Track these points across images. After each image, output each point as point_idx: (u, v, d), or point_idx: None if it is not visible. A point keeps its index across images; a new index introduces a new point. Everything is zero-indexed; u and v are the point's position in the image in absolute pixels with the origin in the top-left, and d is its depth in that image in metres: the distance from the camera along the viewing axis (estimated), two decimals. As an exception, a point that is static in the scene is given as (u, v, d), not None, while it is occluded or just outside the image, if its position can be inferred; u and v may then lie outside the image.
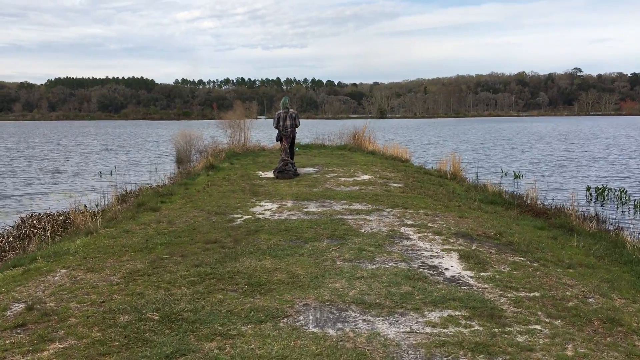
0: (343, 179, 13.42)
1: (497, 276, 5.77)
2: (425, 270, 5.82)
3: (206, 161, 18.23)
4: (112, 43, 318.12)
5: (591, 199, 15.77)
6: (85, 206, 13.89)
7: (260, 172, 15.43)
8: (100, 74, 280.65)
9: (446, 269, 5.97)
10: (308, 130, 53.50)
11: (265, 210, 9.48)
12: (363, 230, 7.65)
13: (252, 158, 20.40)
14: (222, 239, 7.29)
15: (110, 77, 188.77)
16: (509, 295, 5.21)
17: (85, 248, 7.17)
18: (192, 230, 7.86)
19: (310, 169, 15.69)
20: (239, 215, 8.99)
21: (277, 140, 15.31)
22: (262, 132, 39.71)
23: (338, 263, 5.99)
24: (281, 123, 14.73)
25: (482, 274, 5.84)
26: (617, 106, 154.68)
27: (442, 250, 6.75)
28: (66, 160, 28.43)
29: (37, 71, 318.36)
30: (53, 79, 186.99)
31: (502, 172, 21.58)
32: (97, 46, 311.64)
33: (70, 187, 18.77)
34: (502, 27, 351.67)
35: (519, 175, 20.44)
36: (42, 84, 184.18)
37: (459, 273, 5.83)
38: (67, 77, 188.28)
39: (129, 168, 24.82)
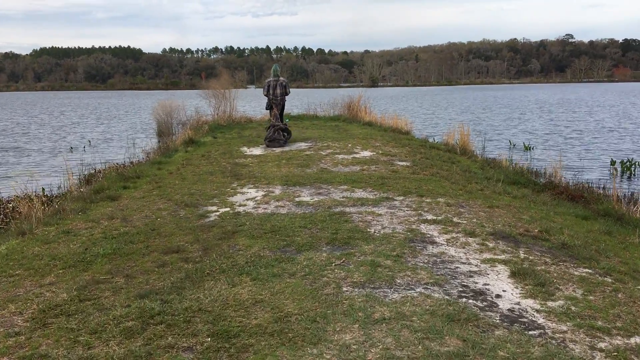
0: (340, 156, 11.59)
1: (571, 308, 4.03)
2: (471, 301, 4.06)
3: (185, 136, 16.32)
4: (99, 11, 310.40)
5: (616, 175, 14.07)
6: (44, 190, 12.05)
7: (245, 148, 13.57)
8: (86, 44, 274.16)
9: (498, 295, 4.21)
10: (299, 100, 51.38)
11: (247, 199, 7.66)
12: (373, 231, 5.87)
13: (237, 131, 18.49)
14: (186, 246, 5.49)
15: (97, 46, 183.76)
16: (602, 344, 3.48)
17: (6, 259, 5.36)
18: (150, 232, 6.04)
19: (303, 144, 13.84)
20: (214, 208, 7.17)
21: (267, 109, 14.96)
22: (251, 103, 37.66)
23: (345, 290, 4.21)
24: (271, 91, 14.38)
25: (549, 303, 4.09)
26: (609, 73, 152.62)
27: (483, 261, 4.99)
28: (35, 135, 26.31)
29: (23, 41, 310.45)
30: (38, 49, 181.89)
31: (511, 144, 19.80)
32: (84, 15, 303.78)
33: (35, 166, 16.84)
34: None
35: (530, 147, 18.70)
36: (27, 54, 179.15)
37: (518, 304, 4.08)
38: (52, 46, 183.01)
39: (105, 143, 22.82)
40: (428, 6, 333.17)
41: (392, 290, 4.21)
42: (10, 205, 10.84)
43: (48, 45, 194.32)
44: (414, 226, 6.08)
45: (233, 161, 11.45)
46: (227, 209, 7.12)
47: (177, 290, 4.26)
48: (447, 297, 4.10)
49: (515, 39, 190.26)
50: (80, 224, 6.64)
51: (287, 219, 6.35)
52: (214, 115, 23.25)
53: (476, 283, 4.45)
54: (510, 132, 24.28)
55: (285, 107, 15.56)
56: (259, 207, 7.18)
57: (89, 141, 23.09)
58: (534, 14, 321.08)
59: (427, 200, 7.36)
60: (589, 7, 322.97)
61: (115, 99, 77.58)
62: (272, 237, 5.65)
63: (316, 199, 7.48)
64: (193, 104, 28.41)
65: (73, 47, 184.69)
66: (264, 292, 4.16)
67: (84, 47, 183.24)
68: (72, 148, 20.72)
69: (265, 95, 14.60)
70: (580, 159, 16.33)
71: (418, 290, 4.22)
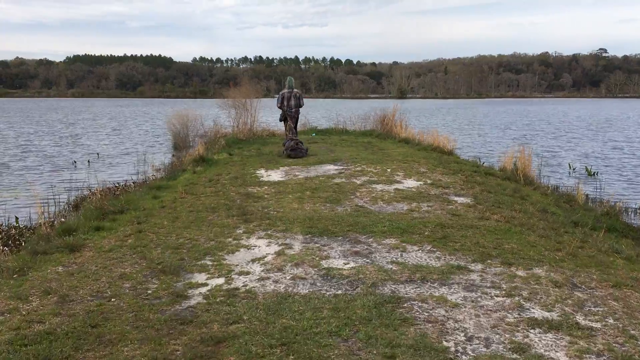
0: (379, 186, 9.19)
1: None
2: None
3: (195, 153, 14.13)
4: (132, 21, 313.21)
5: None
6: (17, 220, 9.95)
7: (262, 171, 11.27)
8: (119, 52, 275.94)
9: None
10: (327, 112, 49.16)
11: (253, 261, 5.33)
12: (453, 349, 3.46)
13: (257, 147, 16.26)
14: (133, 375, 3.17)
15: (129, 54, 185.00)
16: None
17: None
18: (87, 333, 3.73)
19: (331, 167, 11.49)
20: (202, 279, 4.84)
21: (280, 121, 14.99)
22: (275, 114, 35.52)
23: None
24: (285, 103, 14.33)
25: None
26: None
27: None
28: (40, 146, 24.43)
29: (58, 48, 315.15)
30: (72, 56, 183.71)
31: (570, 167, 17.17)
32: (118, 24, 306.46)
33: (27, 185, 14.78)
34: (527, 6, 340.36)
35: (593, 173, 16.05)
36: (60, 61, 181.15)
37: None
38: (86, 54, 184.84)
39: (114, 157, 20.77)
40: (457, 19, 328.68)
41: None
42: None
43: (81, 52, 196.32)
44: (518, 336, 3.65)
45: (245, 190, 9.15)
46: (221, 280, 4.79)
47: None
48: None
49: (547, 52, 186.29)
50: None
51: (308, 313, 3.98)
52: (233, 127, 21.13)
53: None
54: (564, 153, 21.55)
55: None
56: (268, 277, 4.83)
57: (98, 154, 21.08)
58: (566, 28, 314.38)
59: (521, 274, 4.91)
60: (622, 22, 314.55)
61: (140, 107, 76.42)
62: (283, 360, 3.28)
63: (352, 265, 5.11)
64: (216, 113, 26.40)
65: (106, 55, 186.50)
66: None
67: (116, 55, 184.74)
68: (75, 163, 18.69)
69: (279, 107, 14.50)
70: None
71: None
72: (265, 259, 5.38)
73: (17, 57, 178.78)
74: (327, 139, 18.49)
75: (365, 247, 5.70)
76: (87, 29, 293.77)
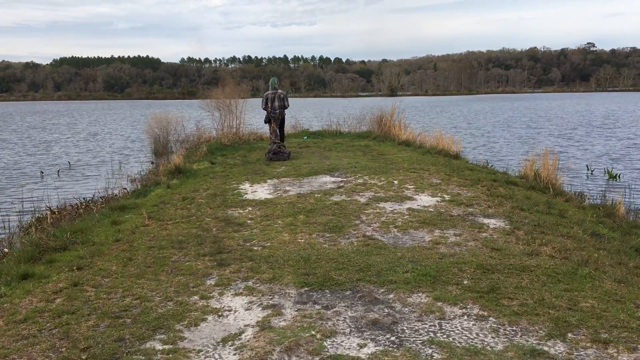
0: (389, 205, 7.51)
1: None
2: None
3: (171, 163, 12.39)
4: (120, 22, 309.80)
5: None
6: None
7: (246, 186, 9.56)
8: (106, 53, 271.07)
9: None
10: (319, 110, 47.44)
11: (224, 341, 3.62)
12: None
13: (242, 154, 14.56)
14: None
15: (117, 56, 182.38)
16: None
17: None
18: None
19: (328, 180, 9.80)
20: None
21: (265, 123, 14.35)
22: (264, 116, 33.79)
23: None
24: (269, 104, 13.76)
25: None
26: (634, 81, 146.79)
27: None
28: (2, 154, 22.55)
29: (45, 51, 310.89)
30: (59, 59, 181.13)
31: (588, 169, 15.60)
32: (106, 25, 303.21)
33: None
34: (514, 1, 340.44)
35: (615, 176, 14.49)
36: (47, 64, 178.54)
37: None
38: (72, 56, 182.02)
39: (87, 166, 18.94)
40: (445, 16, 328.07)
41: None
42: None
43: (68, 55, 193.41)
44: None
45: (223, 214, 7.44)
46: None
47: None
48: None
49: (535, 47, 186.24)
50: None
51: None
52: (217, 131, 19.39)
53: None
54: (577, 153, 19.96)
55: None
56: (246, 378, 3.14)
57: (69, 163, 19.26)
58: (554, 23, 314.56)
59: (628, 363, 3.26)
60: (609, 16, 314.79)
61: (125, 110, 74.27)
62: None
63: (372, 349, 3.41)
64: (200, 116, 24.63)
65: (93, 57, 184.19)
66: None
67: (103, 57, 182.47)
68: (42, 173, 16.88)
69: (263, 109, 13.94)
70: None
71: None
72: (243, 336, 3.68)
73: (3, 61, 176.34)
74: (319, 142, 16.83)
75: (386, 310, 4.02)
76: (74, 31, 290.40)
